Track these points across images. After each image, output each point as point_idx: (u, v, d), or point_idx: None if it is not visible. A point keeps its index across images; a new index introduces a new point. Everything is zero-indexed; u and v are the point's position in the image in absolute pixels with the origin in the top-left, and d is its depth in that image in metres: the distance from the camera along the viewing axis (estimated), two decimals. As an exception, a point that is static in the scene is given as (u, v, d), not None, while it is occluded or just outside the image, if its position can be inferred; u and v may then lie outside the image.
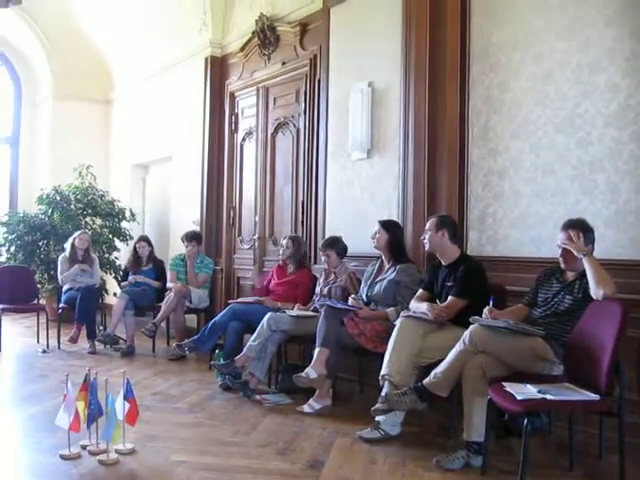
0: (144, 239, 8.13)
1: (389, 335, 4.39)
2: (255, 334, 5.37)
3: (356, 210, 6.14)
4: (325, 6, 6.61)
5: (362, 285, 5.32)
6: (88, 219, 9.67)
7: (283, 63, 7.34)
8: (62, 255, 7.90)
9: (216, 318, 6.06)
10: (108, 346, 7.37)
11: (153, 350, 7.37)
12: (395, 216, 5.56)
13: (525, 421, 3.20)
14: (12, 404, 5.12)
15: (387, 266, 5.17)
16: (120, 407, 3.78)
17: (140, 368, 6.48)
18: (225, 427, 4.48)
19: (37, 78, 11.57)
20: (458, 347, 3.81)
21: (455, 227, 4.67)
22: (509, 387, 3.40)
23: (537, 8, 4.74)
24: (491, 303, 3.98)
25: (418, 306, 4.53)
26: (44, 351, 7.33)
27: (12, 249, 9.32)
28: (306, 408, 4.86)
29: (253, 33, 7.66)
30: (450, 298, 4.41)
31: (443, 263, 4.61)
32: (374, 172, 6.01)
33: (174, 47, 9.12)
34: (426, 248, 4.70)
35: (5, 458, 3.88)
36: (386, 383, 4.18)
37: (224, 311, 6.10)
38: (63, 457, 3.74)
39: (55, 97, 11.02)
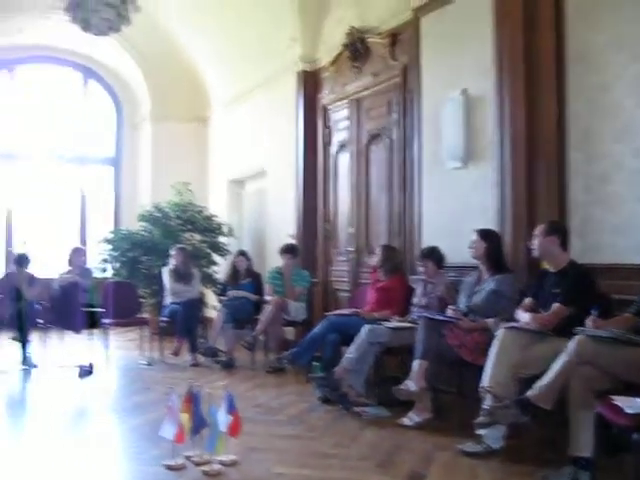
0: (242, 253, 8.29)
1: (489, 346, 4.29)
2: (353, 346, 5.36)
3: (452, 220, 6.06)
4: (415, 16, 6.57)
5: (460, 295, 5.23)
6: (187, 235, 9.91)
7: (374, 75, 7.34)
8: (166, 268, 8.18)
9: (314, 330, 6.10)
10: (209, 359, 7.52)
11: (252, 362, 7.47)
12: (493, 225, 5.44)
13: (635, 436, 3.06)
14: (117, 415, 5.31)
15: (486, 276, 5.07)
16: (223, 419, 3.85)
17: (240, 380, 6.58)
18: (324, 439, 4.49)
19: (136, 100, 12.01)
20: (563, 358, 3.68)
21: (565, 233, 4.54)
22: (617, 400, 3.26)
23: (638, 8, 4.57)
24: (595, 313, 3.83)
25: (521, 316, 4.42)
26: (148, 364, 7.56)
27: (117, 265, 9.66)
28: (406, 421, 4.81)
29: (343, 46, 7.70)
30: (556, 305, 4.26)
31: (551, 270, 4.47)
32: (470, 181, 5.92)
33: (266, 64, 9.28)
34: (534, 254, 4.58)
35: (111, 468, 4.01)
36: (487, 395, 4.08)
37: (321, 323, 6.13)
38: (168, 467, 3.83)
39: (153, 118, 11.41)
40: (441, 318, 4.93)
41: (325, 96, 8.36)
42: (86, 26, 6.45)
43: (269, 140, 9.44)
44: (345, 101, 7.94)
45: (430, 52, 6.41)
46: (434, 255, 5.70)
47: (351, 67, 7.68)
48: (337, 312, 6.56)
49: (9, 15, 10.03)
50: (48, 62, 11.86)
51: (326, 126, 8.39)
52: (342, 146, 8.08)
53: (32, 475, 3.82)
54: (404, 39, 6.88)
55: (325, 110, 8.41)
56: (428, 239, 6.27)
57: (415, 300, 5.77)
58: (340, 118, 8.13)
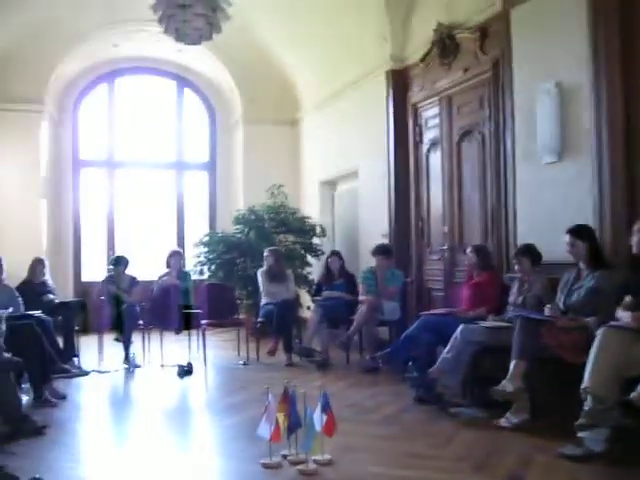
0: (335, 254, 8.34)
1: (589, 346, 4.15)
2: (448, 346, 5.31)
3: (548, 216, 5.89)
4: (505, 8, 6.44)
5: (558, 294, 5.09)
6: (281, 236, 10.04)
7: (465, 70, 7.23)
8: (260, 269, 8.31)
9: (408, 330, 6.07)
10: (304, 358, 7.59)
11: (347, 362, 7.50)
12: (591, 220, 5.26)
13: None
14: (215, 413, 5.44)
15: (585, 273, 4.91)
16: (318, 419, 3.88)
17: (334, 380, 6.61)
18: (419, 440, 4.46)
19: (229, 105, 12.25)
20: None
21: (667, 229, 4.36)
22: None
23: None
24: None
25: (622, 315, 4.26)
26: (244, 363, 7.70)
27: (213, 267, 9.88)
28: (503, 422, 4.72)
29: (432, 43, 7.62)
30: (657, 305, 4.10)
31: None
32: (566, 175, 5.74)
33: (355, 64, 9.29)
34: (634, 250, 4.41)
35: (209, 465, 4.11)
36: (589, 397, 3.95)
37: (416, 323, 6.09)
38: (265, 465, 3.90)
39: (245, 122, 11.60)
40: (538, 317, 4.81)
41: (415, 94, 8.29)
42: (179, 36, 6.62)
43: (360, 140, 9.45)
44: (435, 98, 7.86)
45: (521, 44, 6.27)
46: (530, 253, 5.56)
47: (440, 64, 7.59)
48: (432, 311, 6.51)
49: (106, 32, 10.43)
50: (144, 73, 12.25)
51: (416, 124, 8.32)
52: (433, 144, 8.00)
53: (133, 470, 3.96)
54: (494, 32, 6.75)
55: (415, 108, 8.34)
56: (523, 236, 6.13)
57: (511, 299, 5.65)
58: (431, 116, 8.05)
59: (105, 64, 11.61)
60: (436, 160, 7.92)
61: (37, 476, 3.52)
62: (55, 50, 10.39)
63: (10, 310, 6.28)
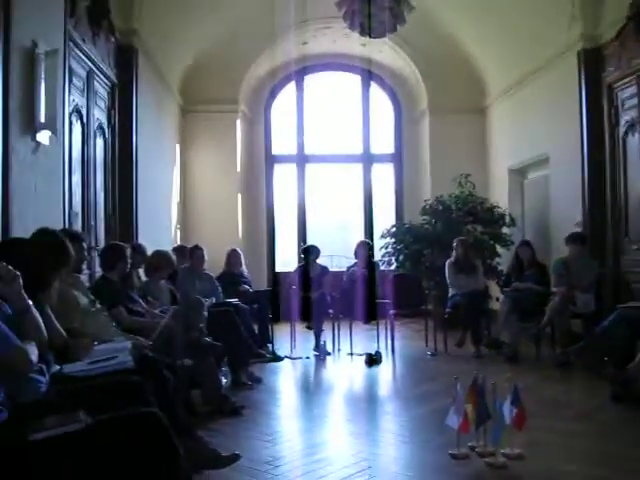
0: (526, 243, 8.10)
1: None
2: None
3: None
4: None
5: None
6: (469, 226, 9.89)
7: (667, 45, 6.74)
8: (448, 260, 8.26)
9: (604, 324, 5.77)
10: (492, 351, 7.45)
11: (537, 355, 7.26)
12: None
13: None
14: (405, 403, 5.49)
15: None
16: (508, 411, 3.81)
17: (524, 373, 6.42)
18: (616, 439, 4.25)
19: (414, 96, 12.23)
20: None
21: None
22: None
23: None
24: None
25: None
26: (432, 354, 7.69)
27: (400, 258, 9.95)
28: None
29: (627, 18, 7.15)
30: None
31: None
32: None
33: (543, 46, 8.93)
34: None
35: (397, 453, 4.16)
36: None
37: (612, 316, 5.77)
38: (453, 456, 3.89)
39: (431, 112, 11.52)
40: None
41: (610, 74, 7.83)
42: (364, 30, 6.72)
43: (550, 125, 9.08)
44: (632, 77, 7.37)
45: None
46: None
47: (637, 40, 7.11)
48: (630, 304, 6.14)
49: (296, 31, 10.78)
50: (330, 69, 12.55)
51: (612, 106, 7.85)
52: (631, 126, 7.52)
53: (323, 452, 4.10)
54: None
55: (610, 89, 7.87)
56: None
57: None
58: (627, 96, 7.57)
59: (294, 62, 12.00)
60: (634, 143, 7.44)
61: (236, 452, 3.75)
62: (249, 51, 10.93)
63: (213, 300, 6.75)
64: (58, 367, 3.15)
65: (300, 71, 12.29)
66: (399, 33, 7.61)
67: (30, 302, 2.76)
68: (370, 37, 6.99)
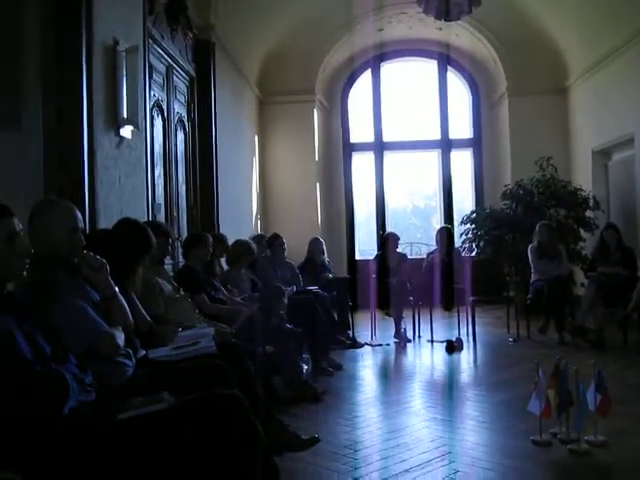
0: (611, 227, 7.88)
1: None
2: None
3: None
4: None
5: None
6: (552, 210, 9.68)
7: None
8: (531, 245, 8.10)
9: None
10: (577, 337, 7.29)
11: (624, 342, 7.05)
12: None
13: None
14: (486, 389, 5.44)
15: None
16: (592, 398, 3.75)
17: (610, 360, 6.25)
18: None
19: (492, 79, 12.00)
20: None
21: None
22: None
23: None
24: None
25: None
26: (514, 340, 7.59)
27: (481, 244, 9.83)
28: None
29: None
30: None
31: None
32: None
33: (626, 23, 8.60)
34: None
35: (477, 439, 4.14)
36: None
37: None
38: (535, 442, 3.85)
39: (511, 94, 11.28)
40: None
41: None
42: (439, 14, 6.66)
43: (636, 103, 8.74)
44: None
45: None
46: None
47: None
48: None
49: (372, 17, 10.75)
50: (406, 55, 12.45)
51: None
52: None
53: (404, 438, 4.11)
54: None
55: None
56: None
57: None
58: None
59: (370, 50, 11.96)
60: None
61: (316, 435, 3.81)
62: (325, 40, 10.97)
63: (293, 288, 6.85)
64: (144, 352, 3.27)
65: (376, 58, 12.24)
66: (475, 15, 7.51)
67: (116, 289, 2.88)
68: (445, 20, 6.92)
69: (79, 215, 2.91)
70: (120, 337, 2.73)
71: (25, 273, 2.34)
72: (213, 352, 3.37)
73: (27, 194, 3.90)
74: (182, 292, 4.60)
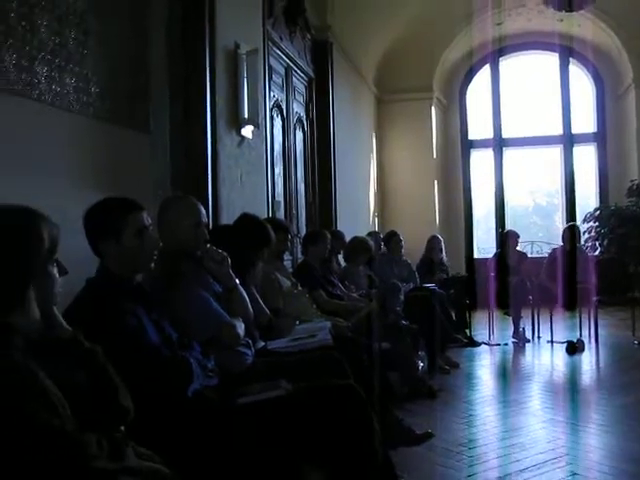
0: None
1: None
2: None
3: None
4: None
5: None
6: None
7: None
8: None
9: None
10: None
11: None
12: None
13: None
14: (607, 392, 5.27)
15: None
16: None
17: None
18: None
19: (617, 71, 11.48)
20: None
21: None
22: None
23: None
24: None
25: None
26: (639, 343, 7.28)
27: (605, 242, 9.49)
28: None
29: None
30: None
31: None
32: None
33: None
34: None
35: (598, 442, 4.04)
36: None
37: None
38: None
39: (638, 85, 10.76)
40: None
41: None
42: (561, 5, 6.49)
43: None
44: None
45: None
46: None
47: None
48: None
49: (490, 12, 10.55)
50: (526, 49, 12.13)
51: None
52: None
53: (519, 438, 4.07)
54: None
55: None
56: None
57: None
58: None
59: (489, 44, 11.74)
60: None
61: (429, 431, 3.83)
62: (442, 37, 10.88)
63: (410, 285, 6.87)
64: (262, 343, 3.40)
65: (495, 53, 12.01)
66: (598, 5, 7.24)
67: (237, 281, 3.02)
68: (567, 11, 6.73)
69: (203, 210, 3.06)
70: (240, 327, 2.85)
71: (153, 265, 2.50)
72: (329, 345, 3.45)
73: (155, 192, 4.11)
74: (300, 287, 4.71)
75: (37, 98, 3.17)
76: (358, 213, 9.54)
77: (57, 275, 1.71)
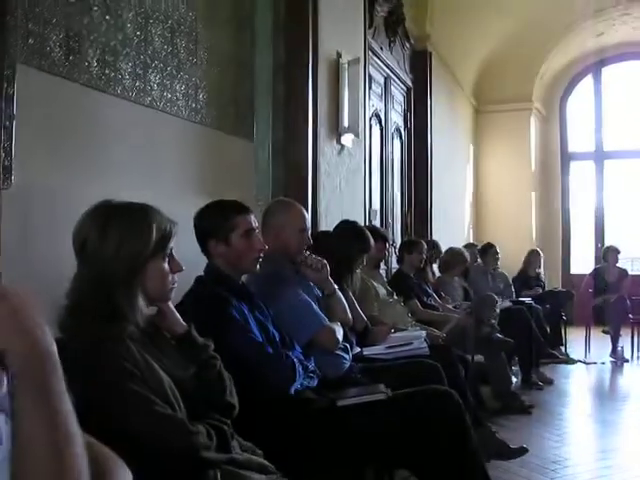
0: None
1: None
2: None
3: None
4: None
5: None
6: None
7: None
8: None
9: None
10: None
11: None
12: None
13: None
14: None
15: None
16: None
17: None
18: None
19: None
20: None
21: None
22: None
23: None
24: None
25: None
26: None
27: None
28: None
29: None
30: None
31: None
32: None
33: None
34: None
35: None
36: None
37: None
38: None
39: None
40: None
41: None
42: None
43: None
44: None
45: None
46: None
47: None
48: None
49: (591, 21, 10.27)
50: (630, 59, 11.73)
51: None
52: None
53: (614, 459, 3.96)
54: None
55: None
56: None
57: None
58: None
59: (590, 55, 11.45)
60: None
61: (524, 446, 3.78)
62: (542, 47, 10.65)
63: (507, 302, 6.77)
64: (359, 349, 3.44)
65: (597, 63, 11.70)
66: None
67: (336, 286, 3.07)
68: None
69: (307, 217, 3.13)
70: (339, 332, 2.90)
71: (258, 266, 2.58)
72: (425, 353, 3.45)
73: (257, 197, 4.22)
74: (395, 296, 4.73)
75: (149, 105, 3.31)
76: (453, 224, 9.46)
77: (168, 269, 1.78)
